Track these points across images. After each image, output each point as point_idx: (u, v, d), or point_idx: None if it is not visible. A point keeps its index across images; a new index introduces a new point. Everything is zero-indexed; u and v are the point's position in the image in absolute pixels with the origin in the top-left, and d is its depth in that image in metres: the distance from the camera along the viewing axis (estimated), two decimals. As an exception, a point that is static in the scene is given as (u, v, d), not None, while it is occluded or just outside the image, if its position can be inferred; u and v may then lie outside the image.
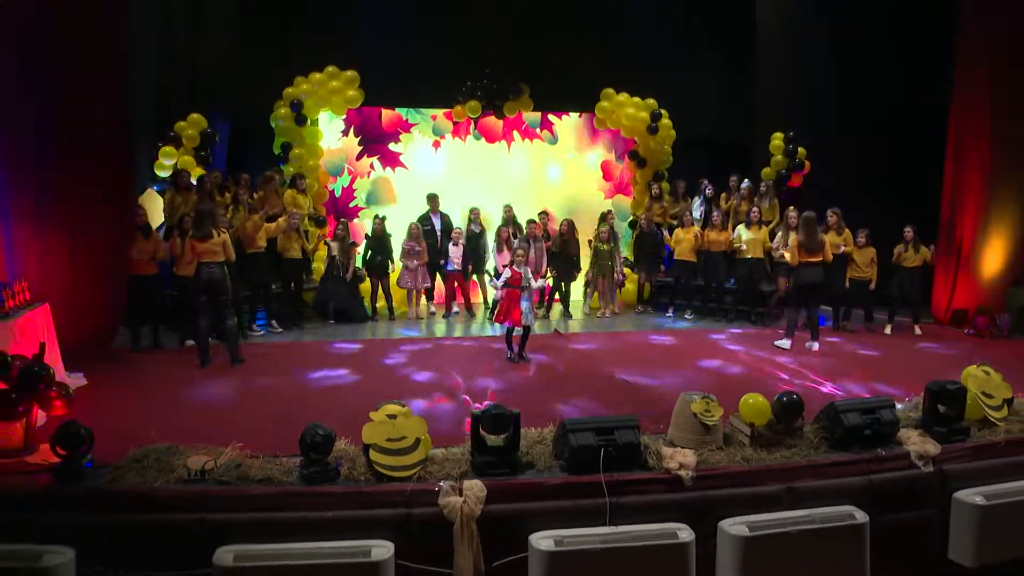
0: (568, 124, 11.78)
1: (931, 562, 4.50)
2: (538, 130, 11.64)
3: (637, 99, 11.19)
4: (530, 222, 10.19)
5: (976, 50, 9.12)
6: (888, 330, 9.19)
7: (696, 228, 10.14)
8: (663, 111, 11.20)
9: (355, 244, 10.03)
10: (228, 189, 9.39)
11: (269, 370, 7.10)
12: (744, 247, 9.66)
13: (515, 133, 11.54)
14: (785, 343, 8.22)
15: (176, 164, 9.39)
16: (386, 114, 11.20)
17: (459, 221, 10.51)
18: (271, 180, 9.36)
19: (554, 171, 11.78)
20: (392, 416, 4.15)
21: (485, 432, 4.18)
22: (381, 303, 10.06)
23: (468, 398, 6.08)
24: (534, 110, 11.31)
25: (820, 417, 4.77)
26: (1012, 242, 9.27)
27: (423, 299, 10.32)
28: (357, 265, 9.90)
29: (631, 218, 11.68)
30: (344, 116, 10.82)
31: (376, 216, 10.08)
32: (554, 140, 11.70)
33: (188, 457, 4.04)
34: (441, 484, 3.95)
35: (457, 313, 10.31)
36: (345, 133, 11.07)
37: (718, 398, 4.54)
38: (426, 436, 4.17)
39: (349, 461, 4.13)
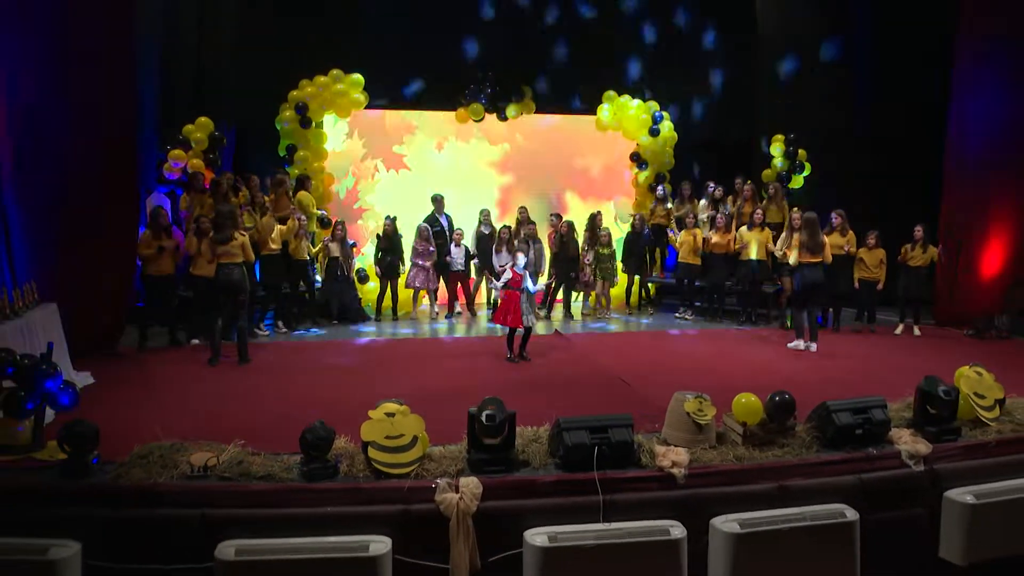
0: (569, 125, 11.83)
1: (921, 560, 4.54)
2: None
3: (639, 101, 11.25)
4: (530, 222, 10.23)
5: (976, 49, 9.14)
6: (899, 330, 9.17)
7: (698, 230, 10.15)
8: (665, 113, 11.24)
9: (355, 244, 10.08)
10: (239, 191, 9.49)
11: (272, 369, 7.20)
12: (746, 247, 9.66)
13: (517, 135, 11.63)
14: (799, 344, 8.23)
15: (185, 167, 9.51)
16: (390, 116, 11.28)
17: (459, 222, 10.56)
18: (282, 183, 9.41)
19: (555, 170, 11.85)
20: (390, 414, 4.22)
21: (481, 433, 4.25)
22: (387, 303, 10.12)
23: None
24: (536, 112, 11.36)
25: (812, 416, 4.81)
26: (1012, 243, 9.28)
27: (426, 299, 10.39)
28: (361, 265, 9.96)
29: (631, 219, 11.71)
30: (349, 119, 10.90)
31: (387, 217, 10.16)
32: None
33: (191, 454, 4.11)
34: (438, 481, 4.02)
35: (459, 313, 10.38)
36: (350, 135, 11.15)
37: (713, 398, 4.59)
38: (423, 434, 4.24)
39: (348, 458, 4.20)
